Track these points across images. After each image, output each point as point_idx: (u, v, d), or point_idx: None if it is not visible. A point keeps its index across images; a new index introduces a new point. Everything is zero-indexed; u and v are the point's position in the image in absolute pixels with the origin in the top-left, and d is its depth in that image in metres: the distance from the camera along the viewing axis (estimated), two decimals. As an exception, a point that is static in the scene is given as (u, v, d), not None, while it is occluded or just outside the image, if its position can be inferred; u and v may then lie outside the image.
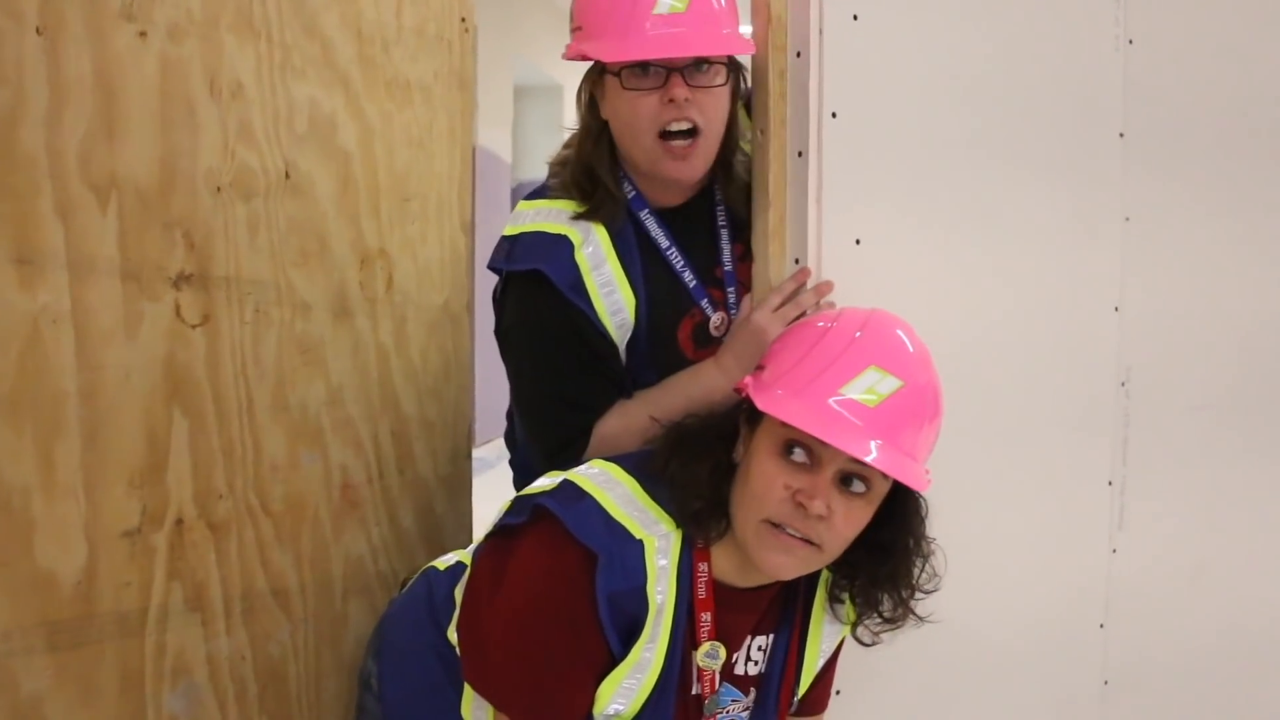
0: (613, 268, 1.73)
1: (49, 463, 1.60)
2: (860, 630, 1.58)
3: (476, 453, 2.34)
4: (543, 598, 1.44)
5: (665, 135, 1.68)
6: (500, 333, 1.84)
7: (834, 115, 1.67)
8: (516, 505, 1.53)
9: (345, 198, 1.95)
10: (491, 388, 2.27)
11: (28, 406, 1.58)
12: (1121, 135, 1.96)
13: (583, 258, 1.72)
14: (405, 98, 2.04)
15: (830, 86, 1.67)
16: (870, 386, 1.38)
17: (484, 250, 2.25)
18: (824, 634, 1.61)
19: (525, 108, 8.37)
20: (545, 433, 1.77)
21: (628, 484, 1.49)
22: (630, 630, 1.45)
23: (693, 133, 1.68)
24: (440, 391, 2.14)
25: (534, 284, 1.73)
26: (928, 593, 1.55)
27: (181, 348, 1.73)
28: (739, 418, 1.50)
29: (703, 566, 1.47)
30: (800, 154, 1.67)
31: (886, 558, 1.50)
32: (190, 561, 1.76)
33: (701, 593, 1.47)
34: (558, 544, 1.44)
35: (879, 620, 1.55)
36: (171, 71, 1.70)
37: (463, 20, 2.15)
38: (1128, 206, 1.98)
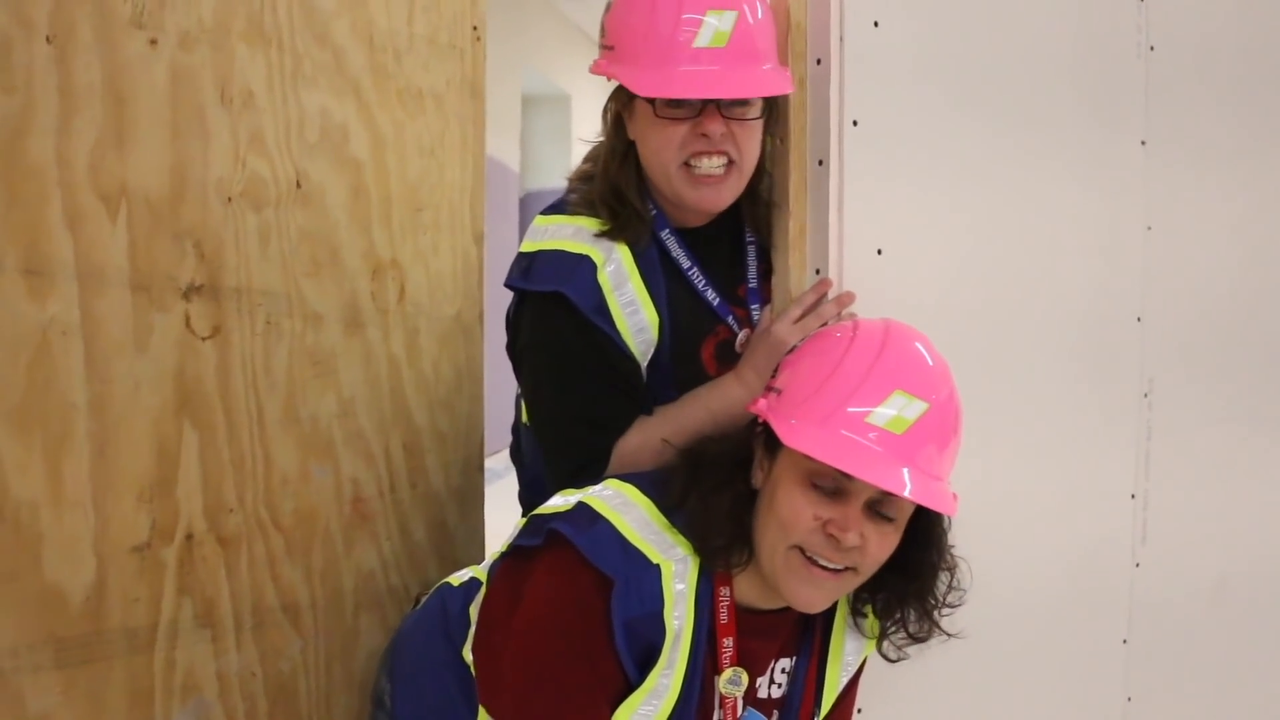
0: (635, 287, 1.70)
1: (57, 476, 1.58)
2: (886, 646, 1.55)
3: (487, 463, 2.31)
4: (558, 623, 1.42)
5: (691, 164, 1.66)
6: (515, 351, 1.81)
7: (855, 123, 1.66)
8: (531, 525, 1.51)
9: (357, 207, 1.93)
10: (501, 399, 2.24)
11: (36, 418, 1.56)
12: (1144, 143, 1.95)
13: (605, 278, 1.69)
14: (417, 106, 2.02)
15: (851, 94, 1.65)
16: (897, 412, 1.36)
17: (491, 260, 2.23)
18: (845, 653, 1.58)
19: (533, 117, 8.37)
20: (566, 453, 1.73)
21: (644, 506, 1.47)
22: (647, 656, 1.42)
23: (727, 163, 1.66)
24: (452, 403, 2.12)
25: (554, 305, 1.70)
26: (953, 606, 1.52)
27: (192, 359, 1.71)
28: (753, 441, 1.47)
29: (724, 591, 1.45)
30: (821, 163, 1.65)
31: (914, 575, 1.48)
32: (200, 576, 1.73)
33: (724, 617, 1.45)
34: (573, 569, 1.42)
35: (904, 636, 1.53)
36: (182, 80, 1.68)
37: (474, 29, 2.13)
38: (1150, 215, 1.96)
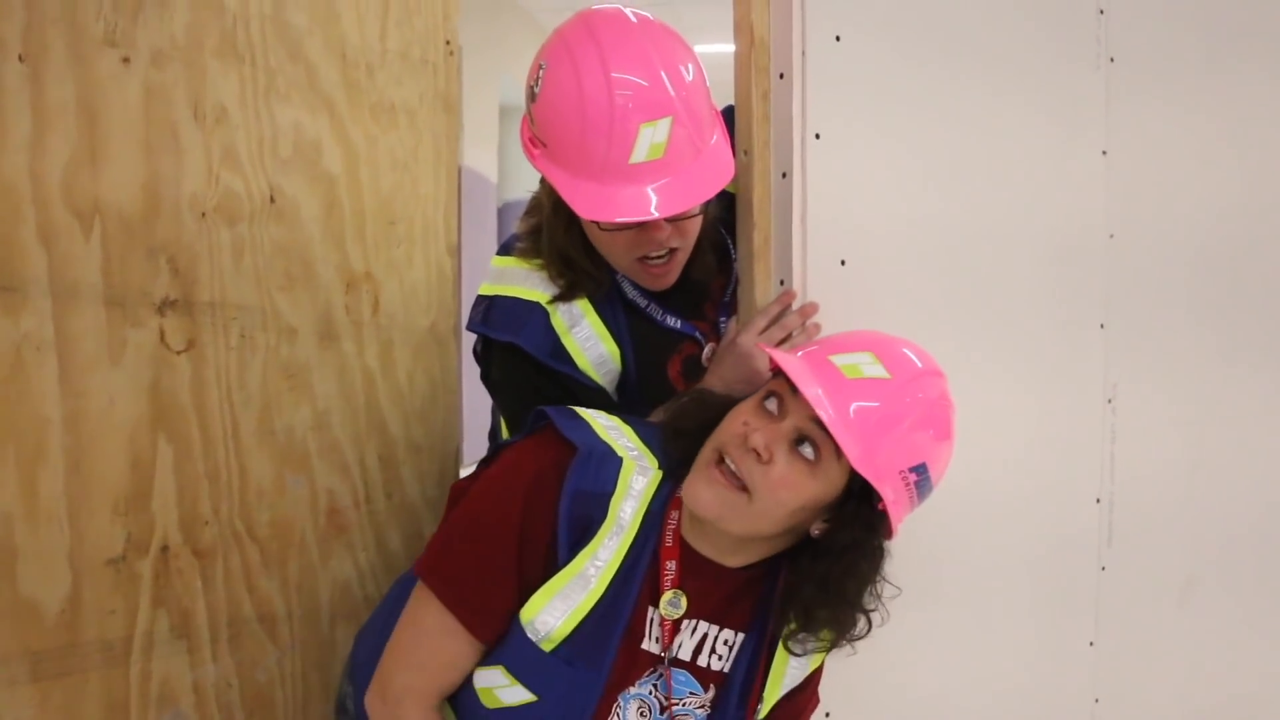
0: (592, 323, 1.74)
1: (32, 490, 1.59)
2: (793, 644, 1.52)
3: (465, 473, 2.32)
4: (511, 478, 1.46)
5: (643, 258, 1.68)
6: (488, 384, 1.86)
7: (817, 136, 1.68)
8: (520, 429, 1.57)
9: (330, 221, 1.95)
10: (479, 409, 2.26)
11: (10, 433, 1.57)
12: (1104, 153, 1.97)
13: (558, 321, 1.73)
14: (390, 121, 2.04)
15: (813, 108, 1.67)
16: (856, 364, 1.40)
17: (470, 271, 2.24)
18: (790, 660, 1.55)
19: (511, 127, 8.36)
20: None
21: (622, 426, 1.52)
22: (582, 535, 1.44)
23: (670, 252, 1.68)
24: (427, 414, 2.13)
25: (512, 352, 1.74)
26: (855, 636, 1.49)
27: (166, 373, 1.73)
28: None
29: (674, 514, 1.47)
30: (784, 175, 1.68)
31: (824, 553, 1.44)
32: (176, 588, 1.75)
33: (669, 540, 1.47)
34: (545, 440, 1.47)
35: (813, 639, 1.50)
36: (155, 97, 1.70)
37: (447, 43, 2.15)
38: (1111, 226, 1.99)
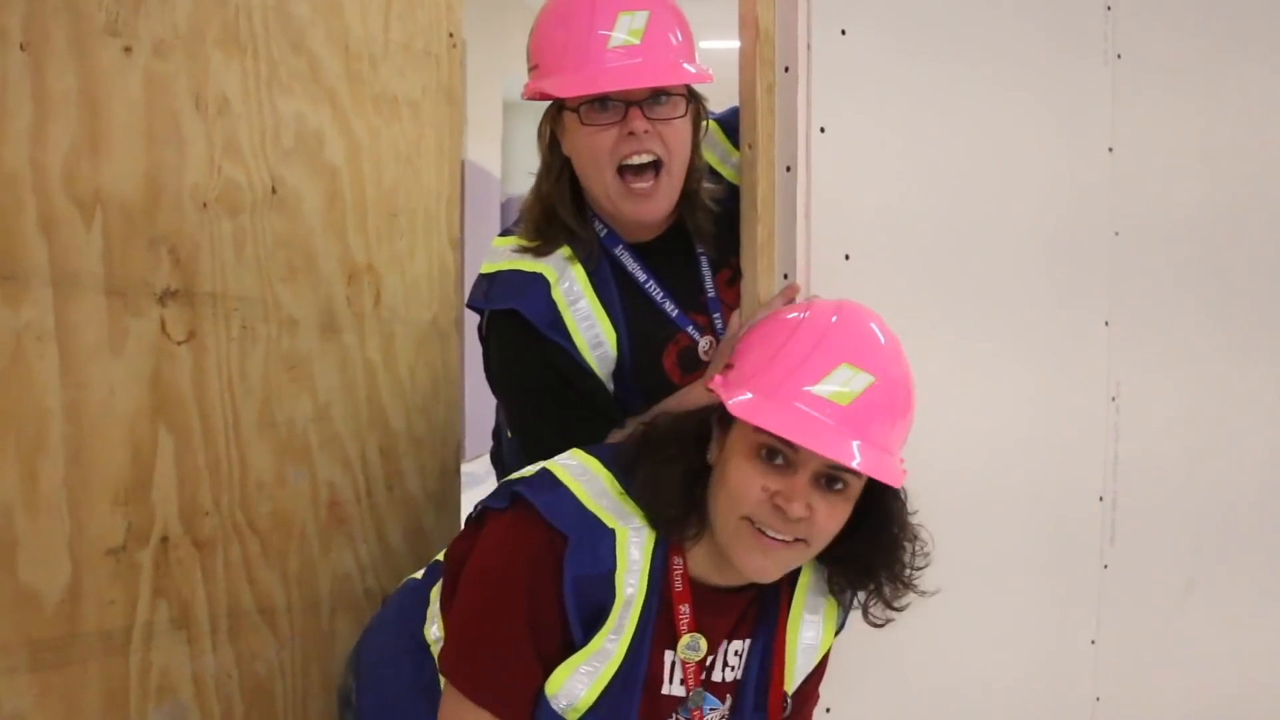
0: (590, 303, 1.74)
1: (32, 480, 1.59)
2: (871, 615, 1.56)
3: (466, 467, 2.33)
4: (507, 573, 1.44)
5: (626, 172, 1.69)
6: (489, 373, 1.85)
7: (822, 130, 1.67)
8: (500, 490, 1.54)
9: (332, 213, 1.94)
10: (480, 403, 2.26)
11: (11, 423, 1.57)
12: (1110, 150, 1.97)
13: (559, 295, 1.73)
14: (393, 113, 2.04)
15: (818, 101, 1.67)
16: (843, 384, 1.37)
17: (471, 264, 2.24)
18: (802, 638, 1.58)
19: (514, 122, 8.37)
20: None
21: (604, 477, 1.49)
22: (595, 618, 1.44)
23: (655, 165, 1.69)
24: (428, 408, 2.13)
25: (512, 322, 1.74)
26: (921, 569, 1.54)
27: (167, 364, 1.72)
28: (711, 419, 1.49)
29: (678, 560, 1.47)
30: (789, 169, 1.67)
31: (877, 547, 1.49)
32: (176, 579, 1.74)
33: (678, 585, 1.46)
34: (530, 525, 1.44)
35: (880, 604, 1.54)
36: (157, 87, 1.70)
37: (450, 35, 2.15)
38: (1116, 223, 1.98)
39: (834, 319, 1.43)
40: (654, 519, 1.45)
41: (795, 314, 1.47)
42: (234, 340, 1.80)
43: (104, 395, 1.65)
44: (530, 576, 1.42)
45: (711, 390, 1.46)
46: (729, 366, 1.47)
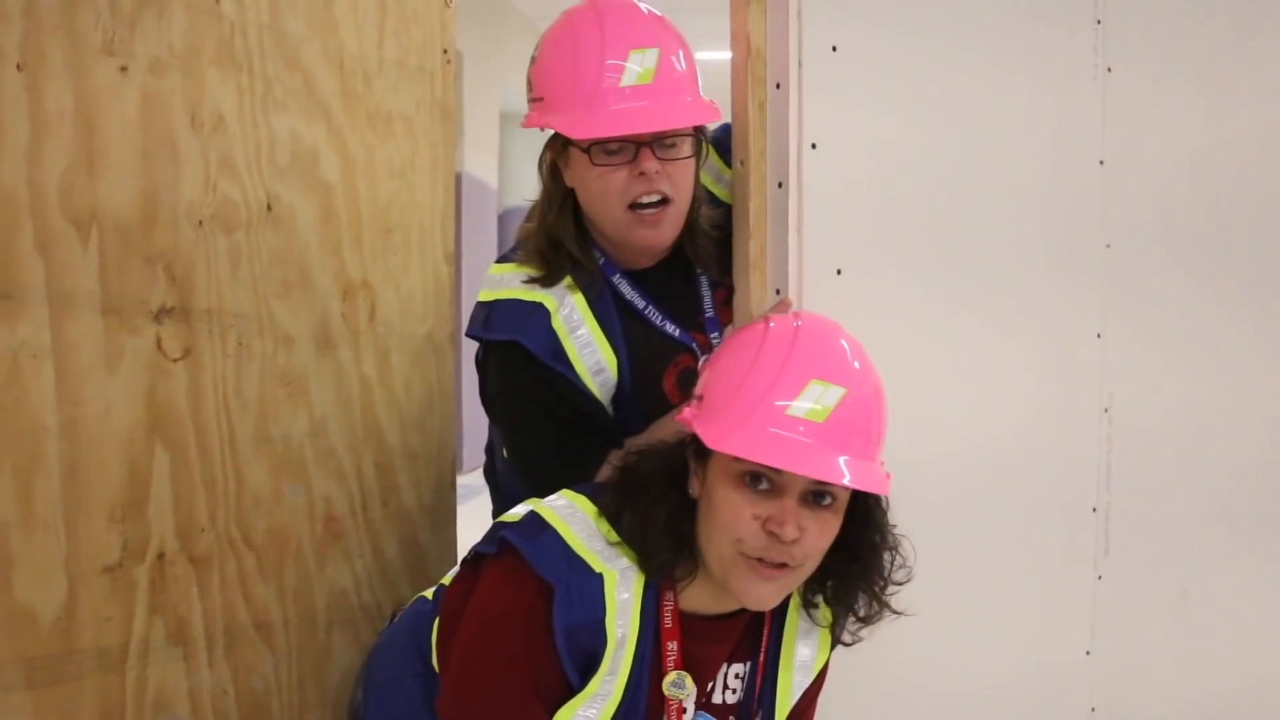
0: (591, 329, 1.74)
1: (28, 497, 1.59)
2: (841, 632, 1.57)
3: (462, 479, 2.33)
4: (501, 627, 1.44)
5: (635, 205, 1.69)
6: (486, 399, 1.86)
7: (814, 146, 1.68)
8: (490, 534, 1.55)
9: (327, 229, 1.95)
10: (475, 416, 2.26)
11: (7, 441, 1.57)
12: (1101, 163, 1.98)
13: (559, 323, 1.73)
14: (387, 129, 2.04)
15: (810, 118, 1.68)
16: (816, 401, 1.37)
17: (470, 276, 2.25)
18: (798, 656, 1.59)
19: (512, 134, 8.39)
20: (544, 492, 1.77)
21: (592, 516, 1.49)
22: (589, 663, 1.44)
23: (663, 201, 1.69)
24: (424, 422, 2.13)
25: (513, 352, 1.74)
26: (900, 584, 1.54)
27: (163, 381, 1.73)
28: (686, 453, 1.49)
29: (669, 596, 1.47)
30: (780, 185, 1.68)
31: (854, 557, 1.49)
32: (172, 595, 1.75)
33: (668, 622, 1.47)
34: (519, 575, 1.44)
35: (855, 620, 1.54)
36: (153, 105, 1.70)
37: (444, 51, 2.16)
38: (1108, 235, 1.99)
39: (795, 337, 1.43)
40: (645, 565, 1.45)
41: (754, 337, 1.46)
42: (230, 357, 1.81)
43: (100, 412, 1.66)
44: (526, 623, 1.43)
45: (683, 423, 1.46)
46: (698, 398, 1.47)
